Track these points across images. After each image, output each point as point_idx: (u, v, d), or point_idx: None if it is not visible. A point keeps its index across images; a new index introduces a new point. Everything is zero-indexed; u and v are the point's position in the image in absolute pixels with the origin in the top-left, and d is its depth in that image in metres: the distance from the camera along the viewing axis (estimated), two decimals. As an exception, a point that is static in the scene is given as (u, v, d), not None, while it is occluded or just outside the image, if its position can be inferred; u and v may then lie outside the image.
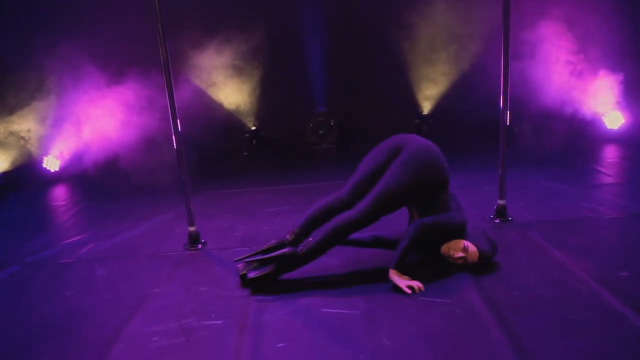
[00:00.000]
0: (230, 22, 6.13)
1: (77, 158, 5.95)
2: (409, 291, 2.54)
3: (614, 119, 5.62)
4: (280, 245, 2.83)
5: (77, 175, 5.87)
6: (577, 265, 2.77)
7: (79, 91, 5.89)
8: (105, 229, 4.04)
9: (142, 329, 2.45)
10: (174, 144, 3.30)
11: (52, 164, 5.93)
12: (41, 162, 5.92)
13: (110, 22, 5.82)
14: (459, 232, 2.76)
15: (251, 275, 2.73)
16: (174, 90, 3.22)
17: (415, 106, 6.49)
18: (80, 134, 5.98)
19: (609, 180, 4.40)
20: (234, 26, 6.13)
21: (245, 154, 6.53)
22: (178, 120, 3.25)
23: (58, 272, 3.26)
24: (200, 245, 3.46)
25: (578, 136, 5.75)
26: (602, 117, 5.67)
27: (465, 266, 2.74)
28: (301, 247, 2.71)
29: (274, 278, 2.76)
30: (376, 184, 2.73)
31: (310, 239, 2.71)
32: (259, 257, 2.80)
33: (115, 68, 5.87)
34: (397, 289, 2.59)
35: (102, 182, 5.57)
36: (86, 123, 5.94)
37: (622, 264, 2.76)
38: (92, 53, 5.79)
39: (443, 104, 6.36)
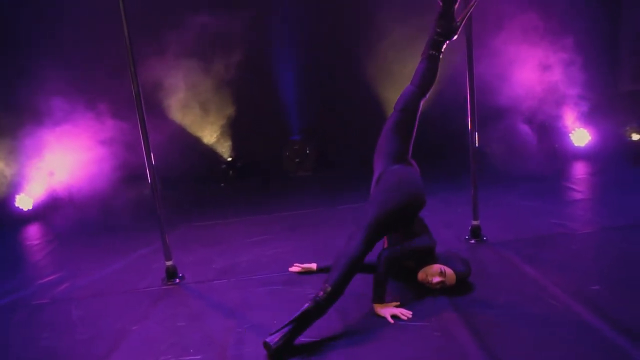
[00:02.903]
0: (202, 52, 6.20)
1: (51, 196, 5.87)
2: (392, 321, 2.55)
3: (581, 136, 5.80)
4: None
5: (51, 213, 5.78)
6: (551, 281, 2.83)
7: (51, 127, 5.84)
8: (80, 267, 3.98)
9: (120, 368, 2.41)
10: (149, 178, 3.29)
11: (24, 202, 5.84)
12: (13, 200, 5.83)
13: (81, 56, 5.84)
14: (429, 254, 2.80)
15: (272, 340, 2.32)
16: (146, 124, 3.23)
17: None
18: (53, 171, 5.91)
19: (579, 196, 4.52)
20: (205, 57, 6.19)
21: (222, 184, 6.53)
22: (152, 154, 3.25)
23: (33, 313, 3.20)
24: (177, 280, 3.43)
25: (547, 153, 5.90)
26: (570, 135, 5.85)
27: (442, 289, 2.78)
28: (318, 296, 2.45)
29: (297, 335, 2.41)
30: (365, 212, 2.72)
31: (326, 285, 2.47)
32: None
33: (88, 103, 5.86)
34: (380, 316, 2.60)
35: (76, 219, 5.48)
36: (59, 159, 5.88)
37: (594, 277, 2.82)
38: (63, 88, 5.78)
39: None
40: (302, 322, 2.38)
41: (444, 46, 2.89)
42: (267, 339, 2.31)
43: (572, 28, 5.44)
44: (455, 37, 2.89)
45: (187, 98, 6.31)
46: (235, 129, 6.61)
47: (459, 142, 5.20)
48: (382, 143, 2.99)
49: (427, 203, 2.91)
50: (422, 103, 2.92)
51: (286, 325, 2.35)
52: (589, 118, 5.79)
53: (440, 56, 2.90)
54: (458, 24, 2.86)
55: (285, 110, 6.59)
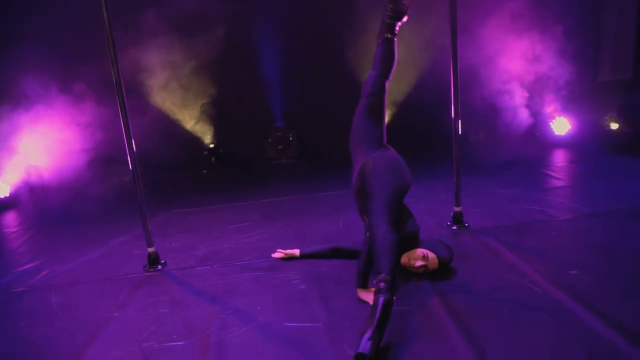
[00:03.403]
0: (184, 37, 6.10)
1: (27, 182, 5.75)
2: None
3: (561, 125, 5.88)
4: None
5: (29, 201, 5.67)
6: (531, 267, 2.87)
7: (26, 111, 5.70)
8: (59, 254, 3.91)
9: (102, 355, 2.38)
10: (130, 165, 3.24)
11: (1, 189, 5.71)
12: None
13: (58, 40, 5.69)
14: (414, 240, 2.82)
15: (364, 349, 2.09)
16: (127, 109, 3.17)
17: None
18: (29, 157, 5.78)
19: (558, 183, 4.58)
20: (187, 42, 6.10)
21: (204, 171, 6.48)
22: (133, 140, 3.20)
23: (11, 302, 3.13)
24: (159, 266, 3.40)
25: (529, 142, 5.97)
26: (550, 123, 5.92)
27: (425, 273, 2.80)
28: (383, 286, 2.32)
29: (383, 335, 2.22)
30: (371, 202, 2.69)
31: (383, 275, 2.37)
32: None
33: (65, 86, 5.73)
34: (363, 301, 2.61)
35: (54, 206, 5.38)
36: (35, 145, 5.75)
37: (572, 263, 2.87)
38: (38, 71, 5.64)
39: (399, 115, 6.50)
40: (384, 319, 2.21)
41: (397, 28, 2.98)
42: (359, 350, 2.07)
43: (556, 19, 5.48)
44: (406, 18, 2.97)
45: (168, 82, 6.21)
46: (217, 116, 6.54)
47: (443, 130, 5.25)
48: (356, 132, 3.03)
49: (411, 191, 2.93)
50: (387, 85, 3.01)
51: (368, 329, 2.14)
52: (570, 107, 5.86)
53: (396, 38, 3.00)
54: (406, 5, 2.94)
55: (268, 97, 6.54)
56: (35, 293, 3.24)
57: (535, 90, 5.87)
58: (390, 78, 3.04)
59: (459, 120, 3.44)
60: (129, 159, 3.23)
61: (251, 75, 6.44)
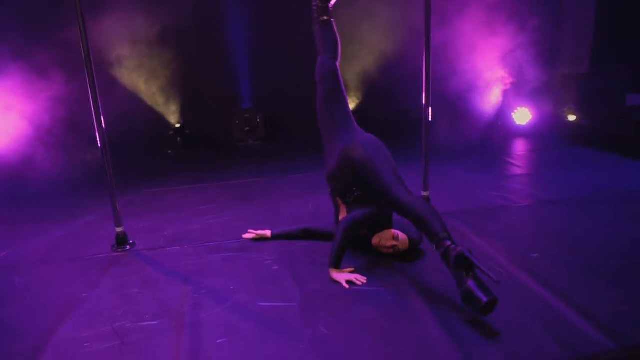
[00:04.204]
0: (150, 12, 5.91)
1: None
2: (347, 286, 2.62)
3: (523, 115, 6.08)
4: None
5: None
6: (496, 249, 3.00)
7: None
8: (19, 234, 3.78)
9: (72, 336, 2.35)
10: (98, 142, 3.16)
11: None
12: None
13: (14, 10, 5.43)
14: (386, 223, 2.89)
15: (485, 297, 2.17)
16: (96, 87, 3.08)
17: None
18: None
19: (519, 171, 4.76)
20: (153, 17, 5.91)
21: (169, 151, 6.37)
22: (102, 117, 3.12)
23: (-31, 282, 3.02)
24: (128, 247, 3.36)
25: (491, 130, 6.15)
26: (512, 114, 6.12)
27: (394, 255, 2.88)
28: (450, 243, 2.36)
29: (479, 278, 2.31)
30: (378, 181, 2.71)
31: (442, 234, 2.40)
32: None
33: (25, 58, 5.48)
34: (335, 281, 2.67)
35: (10, 186, 5.16)
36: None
37: (533, 246, 3.01)
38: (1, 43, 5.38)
39: (367, 99, 6.55)
40: (473, 267, 2.26)
41: (330, 8, 3.02)
42: (484, 299, 2.13)
43: (521, 11, 5.62)
44: None
45: (131, 56, 6.01)
46: (184, 96, 6.42)
47: (412, 116, 5.35)
48: (323, 119, 3.04)
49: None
50: (338, 66, 3.04)
51: (468, 283, 2.20)
52: (531, 98, 6.07)
53: (332, 18, 3.03)
54: None
55: (235, 77, 6.46)
56: (-5, 273, 3.14)
57: (498, 80, 6.03)
58: (339, 58, 3.06)
59: (430, 107, 3.52)
60: (97, 136, 3.15)
61: (218, 55, 6.34)
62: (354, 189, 2.87)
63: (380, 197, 2.71)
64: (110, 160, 3.23)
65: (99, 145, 3.16)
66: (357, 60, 6.40)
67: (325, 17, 2.99)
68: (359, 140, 2.88)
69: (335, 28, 3.03)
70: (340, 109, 3.00)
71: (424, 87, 3.47)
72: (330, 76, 3.00)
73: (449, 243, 2.35)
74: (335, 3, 3.05)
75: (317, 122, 3.13)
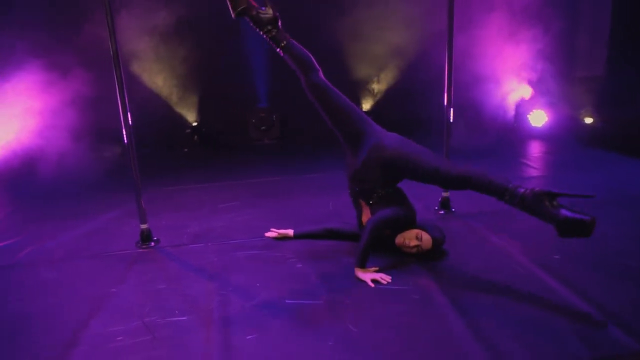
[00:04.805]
0: (170, 13, 5.96)
1: (4, 156, 5.56)
2: (372, 285, 2.65)
3: (538, 117, 6.09)
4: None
5: (3, 175, 5.50)
6: (516, 250, 3.02)
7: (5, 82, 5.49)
8: (43, 231, 3.83)
9: (103, 330, 2.39)
10: (125, 139, 3.21)
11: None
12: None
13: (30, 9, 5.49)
14: (411, 222, 2.92)
15: (585, 216, 2.28)
16: (124, 84, 3.13)
17: (357, 102, 6.65)
18: (6, 131, 5.59)
19: (535, 173, 4.78)
20: (173, 18, 5.96)
21: (185, 149, 6.42)
22: (129, 114, 3.17)
23: (-3, 277, 3.08)
24: (152, 243, 3.40)
25: (508, 132, 6.14)
26: (528, 115, 6.12)
27: (418, 254, 2.91)
28: (520, 188, 2.50)
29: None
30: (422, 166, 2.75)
31: (508, 185, 2.53)
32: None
33: (46, 58, 5.54)
34: (360, 280, 2.71)
35: (33, 181, 5.23)
36: (14, 118, 5.56)
37: (554, 248, 3.03)
38: (18, 43, 5.44)
39: (385, 99, 6.56)
40: (556, 195, 2.37)
41: (279, 31, 2.85)
42: (586, 217, 2.24)
43: (539, 13, 5.63)
44: (278, 22, 2.85)
45: (149, 53, 6.05)
46: (200, 94, 6.46)
47: (428, 118, 5.38)
48: (341, 134, 2.99)
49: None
50: (321, 77, 2.90)
51: (560, 210, 2.31)
52: (547, 100, 6.07)
53: (289, 39, 2.87)
54: (267, 14, 2.83)
55: (252, 76, 6.49)
56: (22, 269, 3.19)
57: (516, 82, 6.04)
58: (319, 68, 2.91)
59: (451, 108, 3.55)
60: (124, 133, 3.19)
61: (236, 55, 6.37)
62: (379, 189, 2.90)
63: (432, 182, 2.76)
64: (136, 158, 3.27)
65: (125, 142, 3.21)
66: (375, 60, 6.42)
67: (284, 43, 2.84)
68: (385, 138, 2.91)
69: (297, 45, 2.89)
70: (349, 115, 2.92)
71: (445, 87, 3.49)
72: (321, 92, 2.89)
73: (521, 190, 2.42)
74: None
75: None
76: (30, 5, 5.60)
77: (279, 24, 2.85)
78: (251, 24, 2.86)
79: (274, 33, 2.84)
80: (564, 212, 2.29)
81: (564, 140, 5.80)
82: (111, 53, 3.05)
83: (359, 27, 6.16)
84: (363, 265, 2.75)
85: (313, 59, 2.91)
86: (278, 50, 2.88)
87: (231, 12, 2.82)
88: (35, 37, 5.50)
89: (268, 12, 2.83)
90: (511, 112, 6.09)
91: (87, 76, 5.46)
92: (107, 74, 3.17)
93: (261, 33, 2.86)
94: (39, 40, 5.50)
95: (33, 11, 5.62)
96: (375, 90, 6.59)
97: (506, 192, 2.48)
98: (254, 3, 2.84)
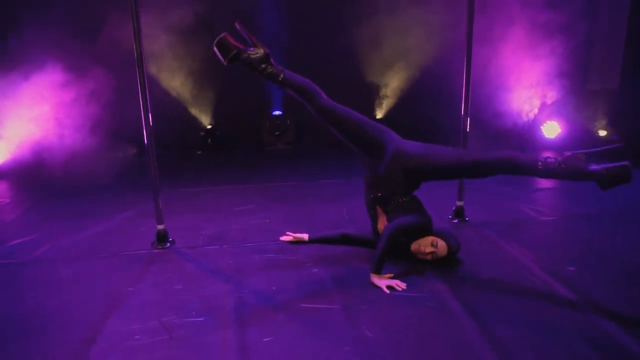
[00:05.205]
0: (187, 22, 6.02)
1: (21, 154, 5.64)
2: (388, 291, 2.67)
3: (552, 129, 6.08)
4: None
5: (20, 173, 5.57)
6: (530, 260, 3.03)
7: (26, 82, 5.56)
8: (60, 229, 3.89)
9: (121, 328, 2.42)
10: (145, 140, 3.25)
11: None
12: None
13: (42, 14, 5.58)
14: (427, 230, 2.94)
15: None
16: (146, 85, 3.17)
17: (372, 110, 6.67)
18: (25, 129, 5.67)
19: (548, 184, 4.77)
20: (190, 26, 6.02)
21: (199, 152, 6.47)
22: (150, 115, 3.21)
23: (15, 273, 3.12)
24: (168, 244, 3.43)
25: (522, 143, 6.14)
26: (541, 127, 6.12)
27: (433, 262, 2.92)
28: (279, 69, 2.78)
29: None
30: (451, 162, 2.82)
31: (540, 158, 2.63)
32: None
33: (66, 57, 5.61)
34: (375, 286, 2.72)
35: (52, 180, 5.30)
36: (32, 118, 5.64)
37: (568, 259, 3.03)
38: (40, 43, 5.52)
39: (400, 107, 6.58)
40: (587, 155, 2.55)
41: (274, 66, 2.83)
42: (625, 162, 2.43)
43: (554, 26, 5.63)
44: (270, 58, 2.82)
45: (164, 55, 6.11)
46: (215, 97, 6.52)
47: (442, 127, 5.38)
48: (359, 148, 2.99)
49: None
50: (326, 99, 2.90)
51: (593, 166, 2.50)
52: (561, 112, 6.07)
53: (286, 73, 2.85)
54: (257, 53, 2.80)
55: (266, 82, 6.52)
56: (39, 266, 3.24)
57: (530, 93, 6.04)
58: (321, 91, 2.91)
59: (468, 117, 3.56)
60: (144, 134, 3.23)
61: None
62: (398, 196, 2.91)
63: (462, 176, 2.90)
64: (155, 159, 3.31)
65: (145, 142, 3.25)
66: (393, 69, 6.45)
67: (281, 76, 2.83)
68: (405, 144, 2.93)
69: (294, 75, 2.88)
70: (366, 128, 2.92)
71: (463, 97, 3.50)
72: (330, 115, 2.89)
73: (552, 159, 2.55)
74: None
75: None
76: (48, 4, 5.68)
77: (271, 59, 2.83)
78: (245, 67, 2.84)
79: (269, 70, 2.82)
80: (598, 166, 2.46)
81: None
82: (135, 55, 3.10)
83: (378, 34, 6.20)
84: (379, 272, 2.77)
85: (313, 85, 2.92)
86: (278, 82, 2.85)
87: (222, 60, 2.80)
88: (53, 36, 5.57)
89: (258, 51, 2.80)
90: (526, 123, 6.08)
91: (103, 77, 5.53)
92: (123, 74, 3.21)
93: (257, 73, 2.83)
94: (57, 40, 5.57)
95: (51, 10, 5.70)
96: (384, 97, 6.60)
97: (538, 163, 2.57)
98: (240, 45, 2.80)
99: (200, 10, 5.98)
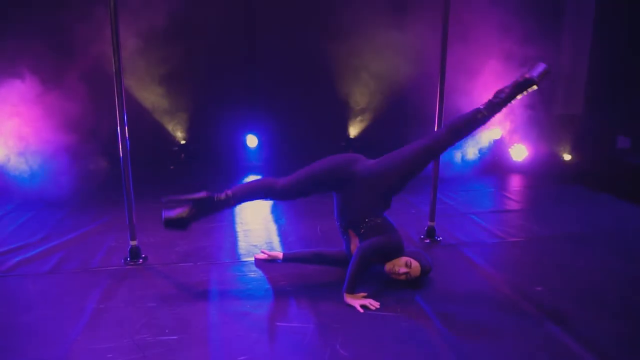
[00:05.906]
0: (162, 33, 5.96)
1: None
2: (362, 310, 2.71)
3: (519, 152, 6.28)
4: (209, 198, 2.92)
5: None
6: (500, 280, 3.12)
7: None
8: (27, 242, 3.79)
9: (93, 346, 2.38)
10: (120, 153, 3.23)
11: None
12: None
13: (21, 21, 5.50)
14: (399, 250, 2.99)
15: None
16: (123, 98, 3.16)
17: (344, 129, 6.73)
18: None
19: (515, 206, 4.91)
20: (164, 38, 5.96)
21: (172, 167, 6.41)
22: (126, 128, 3.20)
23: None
24: (141, 260, 3.40)
25: (490, 166, 6.29)
26: (509, 150, 6.31)
27: (406, 281, 2.98)
28: (223, 194, 2.93)
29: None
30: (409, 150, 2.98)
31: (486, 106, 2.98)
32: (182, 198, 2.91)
33: (34, 72, 5.50)
34: (349, 305, 2.76)
35: (13, 192, 5.12)
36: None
37: (536, 280, 3.14)
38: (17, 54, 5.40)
39: (372, 127, 6.67)
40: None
41: (219, 197, 2.97)
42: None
43: (522, 49, 5.83)
44: (208, 198, 2.95)
45: (144, 71, 6.04)
46: (190, 112, 6.47)
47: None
48: (331, 190, 3.08)
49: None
50: (280, 182, 2.98)
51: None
52: (528, 136, 6.27)
53: (230, 194, 2.98)
54: (191, 212, 2.92)
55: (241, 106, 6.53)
56: (8, 279, 3.16)
57: (499, 116, 6.21)
58: (274, 180, 3.00)
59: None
60: (120, 148, 3.21)
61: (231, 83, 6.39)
62: (369, 217, 2.96)
63: (428, 162, 3.02)
64: (130, 174, 3.29)
65: (121, 157, 3.23)
66: (362, 86, 6.55)
67: (230, 197, 2.98)
68: (369, 166, 2.99)
69: (239, 188, 3.03)
70: (331, 173, 2.97)
71: (436, 117, 3.59)
72: (294, 190, 2.98)
73: (487, 100, 2.99)
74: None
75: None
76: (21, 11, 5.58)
77: (213, 195, 2.94)
78: (203, 214, 2.96)
79: (219, 202, 2.95)
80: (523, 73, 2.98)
81: (544, 175, 5.98)
82: (114, 69, 3.09)
83: (354, 53, 6.29)
84: (352, 291, 2.81)
85: (262, 180, 3.16)
86: (233, 207, 3.04)
87: (184, 231, 2.95)
88: (25, 44, 5.47)
89: (188, 212, 2.89)
90: (492, 146, 6.24)
91: (76, 88, 5.43)
92: (96, 86, 3.18)
93: (214, 213, 3.01)
94: (28, 47, 5.47)
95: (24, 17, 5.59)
96: (360, 114, 6.68)
97: (478, 113, 2.95)
98: (183, 211, 2.89)
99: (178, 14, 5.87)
